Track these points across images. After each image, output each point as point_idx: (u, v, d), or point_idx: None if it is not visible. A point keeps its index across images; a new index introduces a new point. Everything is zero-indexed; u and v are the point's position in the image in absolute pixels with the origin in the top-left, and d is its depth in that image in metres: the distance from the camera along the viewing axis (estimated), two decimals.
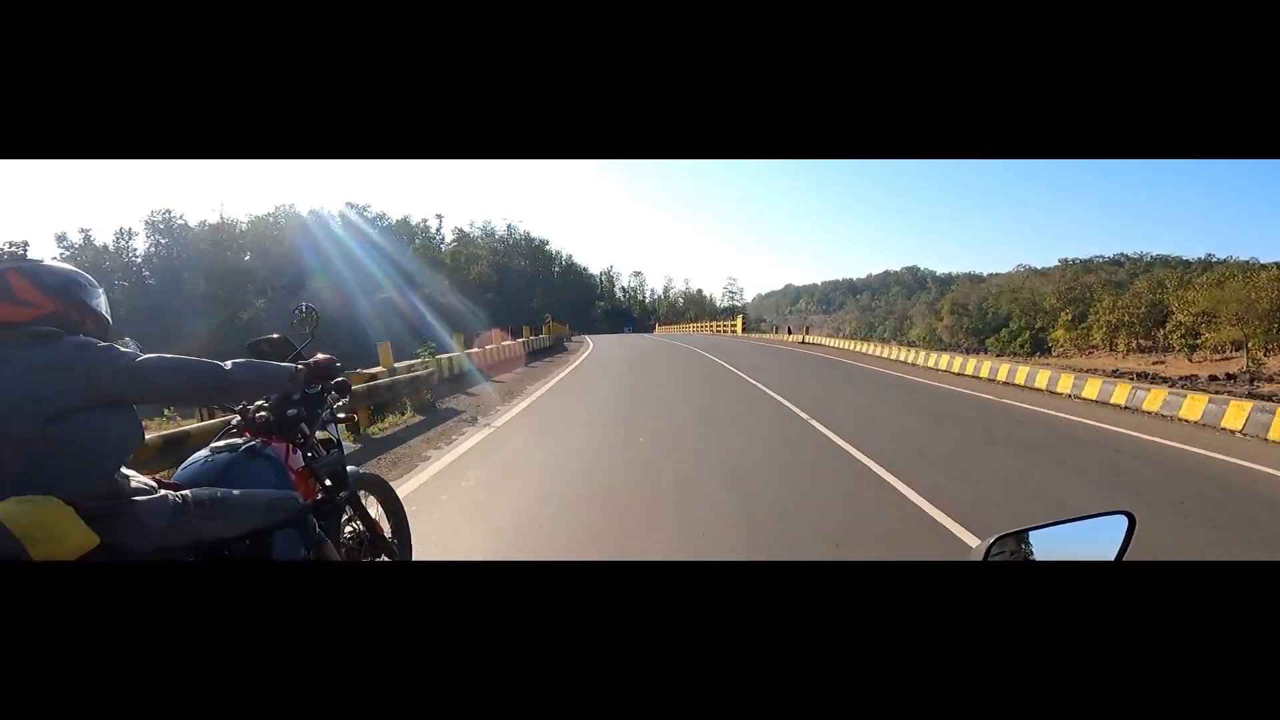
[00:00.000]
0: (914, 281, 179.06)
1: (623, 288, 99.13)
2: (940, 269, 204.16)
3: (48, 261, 1.49)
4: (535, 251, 68.55)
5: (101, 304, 1.52)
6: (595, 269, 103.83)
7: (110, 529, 1.35)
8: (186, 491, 1.58)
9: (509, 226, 66.74)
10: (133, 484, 1.50)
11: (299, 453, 2.12)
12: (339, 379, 2.18)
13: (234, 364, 1.62)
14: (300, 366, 1.88)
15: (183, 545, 1.54)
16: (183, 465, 1.93)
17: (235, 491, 1.68)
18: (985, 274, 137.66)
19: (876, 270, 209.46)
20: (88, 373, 1.37)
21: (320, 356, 2.05)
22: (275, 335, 2.37)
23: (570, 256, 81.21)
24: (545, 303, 62.60)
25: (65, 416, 1.34)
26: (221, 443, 1.96)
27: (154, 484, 1.57)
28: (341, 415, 2.48)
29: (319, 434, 2.28)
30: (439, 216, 59.54)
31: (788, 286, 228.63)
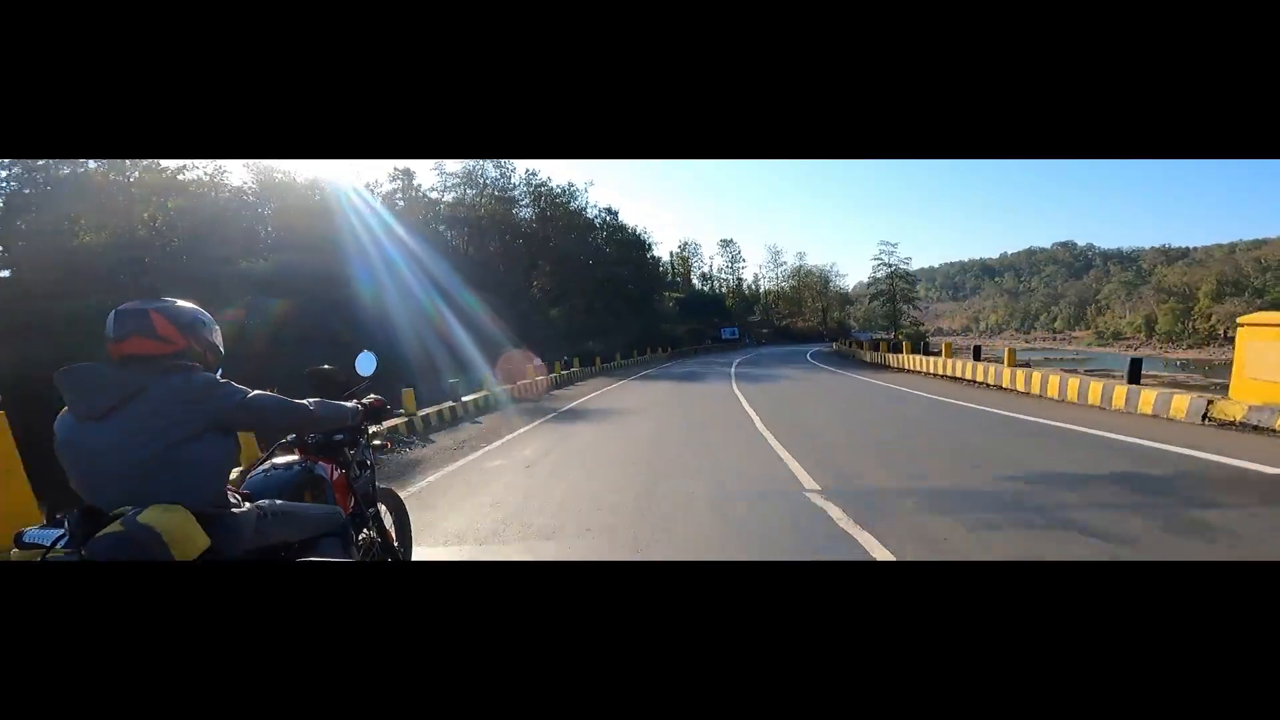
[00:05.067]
0: (1074, 259, 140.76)
1: (703, 274, 68.02)
2: (1101, 243, 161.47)
3: (177, 301, 1.65)
4: (551, 205, 36.94)
5: (217, 338, 1.73)
6: (664, 248, 73.79)
7: (215, 534, 1.50)
8: (264, 503, 1.78)
9: (497, 167, 33.95)
10: (229, 496, 1.69)
11: (341, 471, 2.35)
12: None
13: (314, 403, 1.88)
14: (360, 407, 2.19)
15: (259, 547, 1.70)
16: (250, 476, 2.12)
17: (300, 505, 1.96)
18: (1186, 248, 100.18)
19: (1014, 248, 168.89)
20: (214, 405, 1.57)
21: (374, 398, 2.37)
22: (327, 367, 2.53)
23: (614, 213, 44.99)
24: (557, 287, 34.19)
25: (193, 439, 1.53)
26: (281, 459, 2.23)
27: (239, 496, 1.76)
28: (376, 441, 2.76)
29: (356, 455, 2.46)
30: (407, 173, 31.26)
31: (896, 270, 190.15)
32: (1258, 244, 75.28)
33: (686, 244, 68.54)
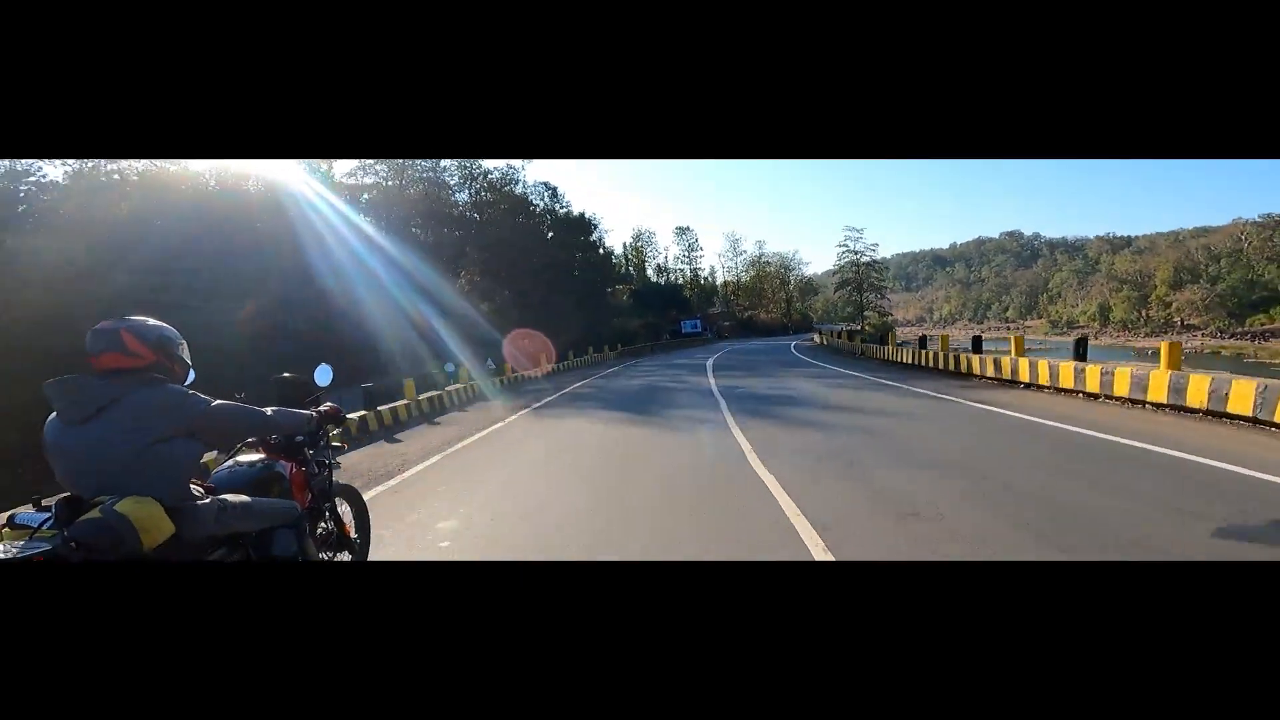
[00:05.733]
0: (1021, 248, 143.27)
1: (659, 265, 63.59)
2: (1047, 233, 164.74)
3: (147, 320, 1.90)
4: (488, 188, 31.78)
5: (184, 352, 2.00)
6: (615, 237, 68.91)
7: (180, 523, 1.75)
8: (225, 497, 2.02)
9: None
10: (193, 490, 1.94)
11: (300, 469, 2.59)
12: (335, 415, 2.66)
13: (274, 410, 2.16)
14: (316, 414, 2.45)
15: (220, 536, 1.97)
16: (216, 470, 2.39)
17: (259, 500, 2.17)
18: (1129, 236, 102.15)
19: (963, 238, 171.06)
20: (182, 414, 1.83)
21: (330, 405, 2.63)
22: (288, 375, 2.86)
23: (554, 189, 39.64)
24: (488, 278, 28.80)
25: (162, 442, 1.78)
26: (244, 458, 2.48)
27: (202, 490, 2.02)
28: (336, 443, 2.94)
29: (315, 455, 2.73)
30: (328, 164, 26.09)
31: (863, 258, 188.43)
32: (1202, 231, 76.15)
33: (641, 233, 64.23)
